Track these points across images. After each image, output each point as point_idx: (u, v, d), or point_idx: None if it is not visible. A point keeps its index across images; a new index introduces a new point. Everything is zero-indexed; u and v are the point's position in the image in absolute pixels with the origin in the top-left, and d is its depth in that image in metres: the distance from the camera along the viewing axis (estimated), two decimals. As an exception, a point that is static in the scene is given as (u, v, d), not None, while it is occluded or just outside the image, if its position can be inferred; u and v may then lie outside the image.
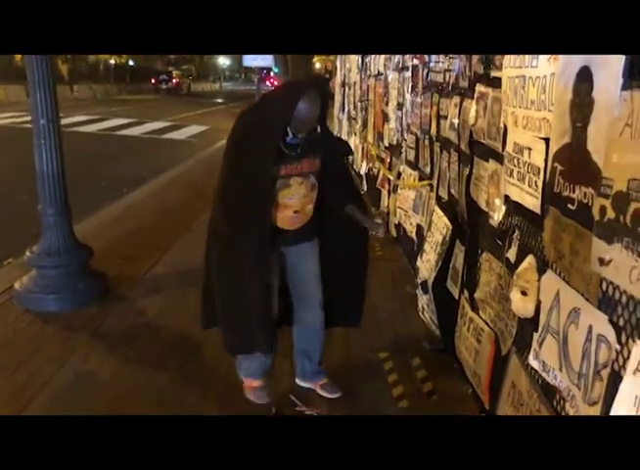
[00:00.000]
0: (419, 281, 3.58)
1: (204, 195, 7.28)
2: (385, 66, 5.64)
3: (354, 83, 8.37)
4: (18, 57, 32.25)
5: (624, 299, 1.40)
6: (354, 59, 8.37)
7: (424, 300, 3.51)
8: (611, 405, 1.40)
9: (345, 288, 2.75)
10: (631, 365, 1.33)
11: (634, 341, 1.35)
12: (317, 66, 41.86)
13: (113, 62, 39.12)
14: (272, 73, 18.59)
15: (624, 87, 1.36)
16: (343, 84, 10.23)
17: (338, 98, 11.87)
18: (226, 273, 2.47)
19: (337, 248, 2.67)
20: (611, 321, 1.46)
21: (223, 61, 67.77)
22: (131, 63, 43.06)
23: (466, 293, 2.81)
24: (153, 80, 40.01)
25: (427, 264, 3.40)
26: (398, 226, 5.01)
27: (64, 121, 16.85)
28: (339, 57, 13.23)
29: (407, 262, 4.69)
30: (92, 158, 10.73)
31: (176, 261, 4.75)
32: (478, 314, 2.61)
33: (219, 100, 34.69)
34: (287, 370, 2.94)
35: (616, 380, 1.42)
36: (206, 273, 2.60)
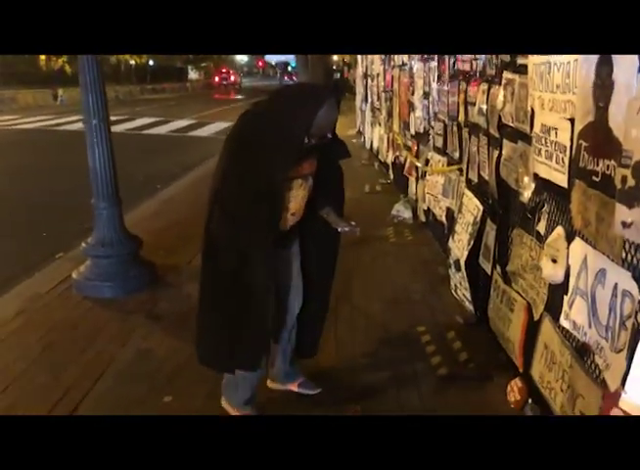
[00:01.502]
0: (451, 261, 3.77)
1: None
2: (409, 56, 5.82)
3: (377, 74, 8.55)
4: (42, 61, 33.05)
5: (645, 256, 1.60)
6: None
7: (456, 278, 3.71)
8: (635, 350, 1.60)
9: (310, 309, 2.66)
10: (652, 312, 1.53)
11: (654, 291, 1.55)
12: (335, 58, 42.02)
13: (133, 62, 39.69)
14: (289, 68, 18.81)
15: (641, 70, 1.55)
16: (366, 76, 10.40)
17: (360, 90, 12.05)
18: (242, 288, 2.30)
19: (310, 248, 2.61)
20: (633, 277, 1.65)
21: (241, 57, 68.18)
22: (151, 62, 43.63)
23: (498, 268, 3.00)
24: (217, 78, 46.97)
25: (459, 244, 3.59)
26: (427, 212, 5.20)
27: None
28: (359, 49, 13.35)
29: (437, 246, 4.89)
30: (124, 156, 10.95)
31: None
32: (510, 286, 2.81)
33: (239, 96, 35.03)
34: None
35: (639, 328, 1.61)
36: (209, 298, 2.43)
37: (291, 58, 16.55)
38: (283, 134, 2.15)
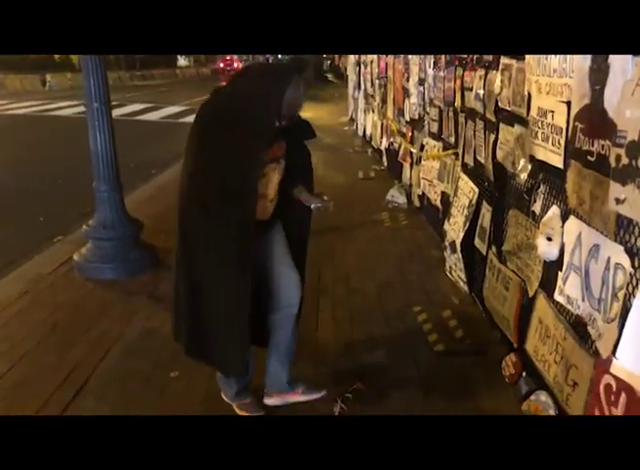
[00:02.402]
0: (447, 243, 3.87)
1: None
2: (404, 43, 5.87)
3: (371, 62, 8.59)
4: (30, 46, 32.60)
5: (637, 230, 1.69)
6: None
7: (452, 260, 3.81)
8: (626, 319, 1.70)
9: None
10: (643, 283, 1.63)
11: (645, 263, 1.65)
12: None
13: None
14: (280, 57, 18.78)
15: (636, 53, 1.64)
16: (358, 63, 10.44)
17: (352, 77, 12.08)
18: (221, 289, 2.21)
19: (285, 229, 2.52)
20: (626, 250, 1.75)
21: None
22: (140, 49, 43.13)
23: (494, 248, 3.10)
24: (221, 65, 49.41)
25: (454, 227, 3.69)
26: (422, 196, 5.29)
27: (82, 109, 17.14)
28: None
29: (432, 230, 4.99)
30: (117, 142, 11.06)
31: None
32: (505, 265, 2.91)
33: (230, 83, 34.81)
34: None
35: (630, 298, 1.72)
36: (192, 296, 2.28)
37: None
38: (256, 117, 2.12)
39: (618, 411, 1.77)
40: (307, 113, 15.17)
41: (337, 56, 44.08)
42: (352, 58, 11.95)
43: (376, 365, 2.91)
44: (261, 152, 2.17)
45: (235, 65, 50.68)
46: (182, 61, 53.57)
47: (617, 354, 1.73)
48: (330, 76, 35.68)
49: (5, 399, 2.64)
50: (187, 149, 2.24)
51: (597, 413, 1.90)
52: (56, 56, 36.15)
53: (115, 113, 15.58)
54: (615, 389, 1.80)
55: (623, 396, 1.76)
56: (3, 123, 13.61)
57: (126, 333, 3.28)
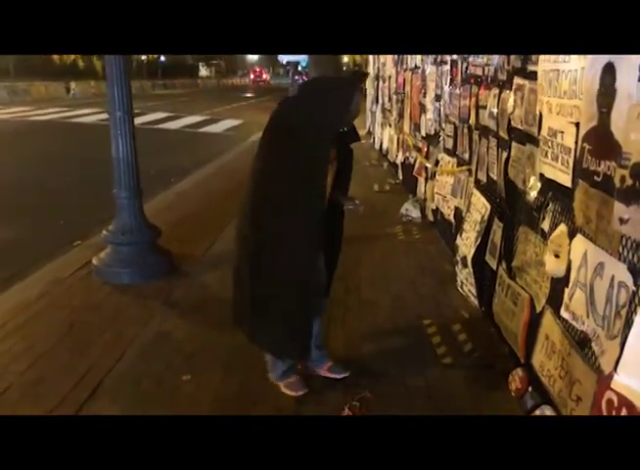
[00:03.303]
0: (458, 258, 3.92)
1: (248, 184, 7.74)
2: (422, 60, 5.96)
3: (389, 77, 8.69)
4: (55, 54, 33.30)
5: (640, 249, 1.74)
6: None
7: (463, 274, 3.85)
8: (627, 336, 1.74)
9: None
10: (644, 301, 1.67)
11: (647, 281, 1.69)
12: (345, 59, 42.21)
13: (144, 58, 39.98)
14: (299, 68, 18.97)
15: (641, 79, 1.69)
16: (377, 77, 10.54)
17: (370, 91, 12.20)
18: (300, 274, 2.47)
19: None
20: (629, 269, 1.80)
21: (251, 56, 68.40)
22: (162, 58, 43.92)
23: (504, 264, 3.14)
24: (252, 76, 58.65)
25: (466, 242, 3.74)
26: (436, 211, 5.34)
27: (105, 116, 17.49)
28: (371, 51, 13.50)
29: (444, 244, 5.03)
30: (138, 150, 11.27)
31: (231, 242, 5.12)
32: (515, 281, 2.95)
33: (249, 94, 35.27)
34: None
35: (632, 315, 1.76)
36: (260, 286, 2.53)
37: (301, 57, 16.62)
38: (328, 126, 2.39)
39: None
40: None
41: (357, 69, 44.36)
42: (371, 72, 12.06)
43: (384, 375, 2.95)
44: (329, 156, 2.45)
45: (264, 76, 58.71)
46: (203, 71, 54.34)
47: (617, 370, 1.77)
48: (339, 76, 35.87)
49: (23, 397, 2.73)
50: (260, 154, 2.49)
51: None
52: (80, 63, 36.84)
53: (137, 121, 15.86)
54: (616, 404, 1.84)
55: (624, 411, 1.79)
56: (27, 129, 13.92)
57: (141, 336, 3.36)
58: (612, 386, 1.80)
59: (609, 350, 1.91)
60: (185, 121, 16.55)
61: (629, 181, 1.72)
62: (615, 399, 1.85)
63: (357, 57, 44.65)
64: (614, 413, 1.85)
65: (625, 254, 1.82)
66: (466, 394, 2.81)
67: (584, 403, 2.10)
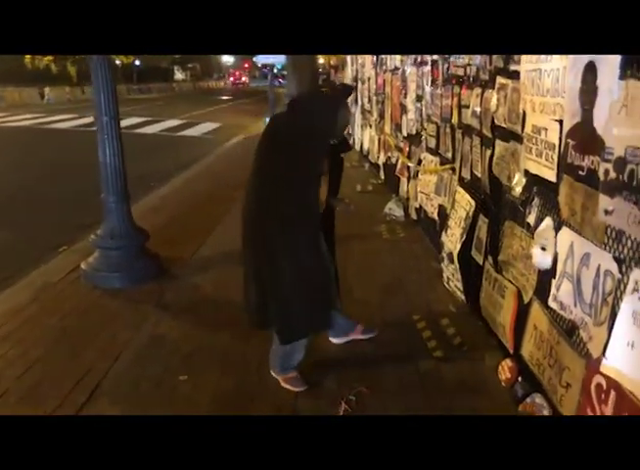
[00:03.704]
0: (444, 254, 4.01)
1: (232, 186, 7.76)
2: (402, 61, 6.06)
3: (369, 78, 8.79)
4: (28, 59, 32.86)
5: (624, 238, 1.83)
6: (368, 55, 8.78)
7: (449, 270, 3.95)
8: (614, 321, 1.83)
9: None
10: (629, 287, 1.76)
11: (632, 269, 1.78)
12: (321, 60, 42.33)
13: (119, 62, 39.60)
14: (275, 70, 18.96)
15: (621, 77, 1.79)
16: (356, 79, 10.64)
17: (349, 93, 12.28)
18: (314, 262, 2.69)
19: None
20: (614, 258, 1.89)
21: (227, 59, 68.24)
22: (137, 62, 43.57)
23: (490, 258, 3.24)
24: (232, 78, 60.32)
25: (452, 238, 3.83)
26: (419, 210, 5.44)
27: (81, 122, 17.32)
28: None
29: (428, 242, 5.13)
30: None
31: (219, 244, 5.20)
32: (501, 275, 3.04)
33: (225, 97, 35.20)
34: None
35: (618, 302, 1.85)
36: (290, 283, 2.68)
37: (277, 60, 16.56)
38: (319, 140, 2.59)
39: (609, 408, 1.89)
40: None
41: (332, 71, 44.53)
42: (349, 73, 12.17)
43: (378, 370, 3.02)
44: (321, 167, 2.65)
45: (243, 79, 60.77)
46: (179, 74, 54.03)
47: (606, 355, 1.87)
48: (325, 91, 36.02)
49: (21, 401, 2.74)
50: (255, 170, 2.66)
51: (589, 411, 2.03)
52: (53, 68, 36.34)
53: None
54: (605, 387, 1.93)
55: (613, 394, 1.88)
56: (2, 135, 13.73)
57: (135, 339, 3.38)
58: (601, 369, 1.89)
59: (596, 336, 2.00)
60: (163, 125, 16.48)
61: (613, 174, 1.82)
62: (603, 382, 1.95)
63: (333, 58, 44.79)
64: (602, 396, 1.95)
65: (610, 243, 1.92)
66: (458, 385, 2.89)
67: (574, 389, 2.19)
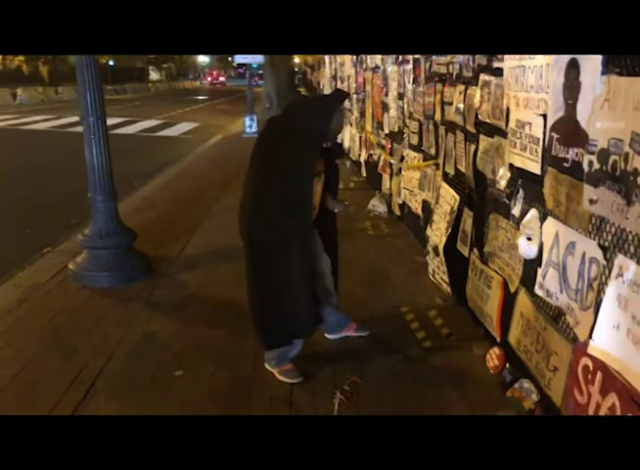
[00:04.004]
0: (430, 247, 4.10)
1: (214, 185, 7.80)
2: (382, 59, 6.15)
3: (348, 77, 8.87)
4: (-1, 60, 32.28)
5: (608, 226, 1.93)
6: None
7: (434, 263, 4.04)
8: (600, 305, 1.93)
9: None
10: (614, 272, 1.86)
11: (616, 255, 1.88)
12: (297, 60, 42.31)
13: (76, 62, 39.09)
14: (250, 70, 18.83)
15: (603, 73, 1.88)
16: (335, 78, 10.72)
17: (328, 92, 12.36)
18: (295, 269, 2.72)
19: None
20: (599, 245, 1.99)
21: (202, 58, 67.84)
22: (111, 63, 43.10)
23: (475, 250, 3.33)
24: (210, 78, 62.39)
25: (437, 232, 3.92)
26: (402, 205, 5.53)
27: (58, 122, 17.09)
28: (326, 52, 13.68)
29: (412, 237, 5.22)
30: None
31: (204, 242, 5.23)
32: (487, 266, 3.14)
33: (202, 97, 35.02)
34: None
35: (603, 286, 1.95)
36: (262, 287, 2.77)
37: (254, 60, 16.46)
38: (311, 141, 2.65)
39: (595, 388, 1.99)
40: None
41: (308, 70, 44.59)
42: (328, 72, 12.24)
43: (370, 360, 3.09)
44: (313, 169, 2.70)
45: (220, 78, 63.03)
46: (154, 75, 53.57)
47: (593, 337, 1.96)
48: (302, 90, 36.11)
49: (19, 400, 2.75)
50: (250, 171, 2.73)
51: (576, 392, 2.12)
52: (25, 68, 35.76)
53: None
54: (591, 369, 2.02)
55: (599, 374, 1.98)
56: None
57: (127, 337, 3.40)
58: (588, 351, 1.98)
59: (583, 320, 2.10)
60: (141, 126, 16.36)
61: (597, 165, 1.91)
62: (590, 364, 2.04)
63: (309, 58, 44.86)
64: (589, 377, 2.04)
65: (595, 231, 2.01)
66: (448, 374, 2.97)
67: (561, 372, 2.29)
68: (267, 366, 2.96)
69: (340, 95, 2.95)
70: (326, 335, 3.31)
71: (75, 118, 17.50)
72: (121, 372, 3.02)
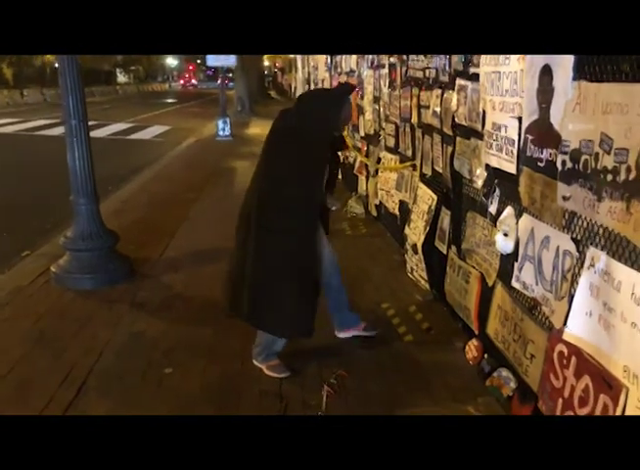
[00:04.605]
0: (408, 246, 4.24)
1: (190, 187, 7.84)
2: (357, 63, 6.29)
3: (322, 80, 8.99)
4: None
5: (580, 221, 2.08)
6: (321, 56, 8.99)
7: (413, 261, 4.18)
8: (574, 295, 2.07)
9: None
10: (586, 263, 2.01)
11: (588, 247, 2.03)
12: (266, 63, 42.35)
13: (57, 65, 38.51)
14: (209, 73, 18.64)
15: (574, 78, 2.03)
16: (309, 82, 10.84)
17: (301, 95, 12.47)
18: (307, 262, 2.83)
19: None
20: (572, 239, 2.14)
21: (171, 61, 67.27)
22: (78, 65, 42.39)
23: (453, 247, 3.48)
24: (182, 81, 65.44)
25: (415, 231, 4.06)
26: (379, 206, 5.67)
27: (26, 126, 16.80)
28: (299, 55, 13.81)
29: (390, 236, 5.36)
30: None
31: (185, 244, 5.29)
32: (465, 262, 3.28)
33: (171, 100, 34.78)
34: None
35: (576, 277, 2.09)
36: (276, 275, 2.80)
37: (228, 62, 16.48)
38: (324, 131, 2.79)
39: (570, 372, 2.13)
40: (254, 129, 15.47)
41: (279, 73, 44.67)
42: (301, 76, 12.36)
43: (355, 355, 3.21)
44: (327, 155, 2.85)
45: (192, 81, 65.54)
46: (121, 77, 52.95)
47: (567, 324, 2.11)
48: (272, 93, 36.20)
49: (10, 400, 2.78)
50: (263, 158, 2.84)
51: (552, 377, 2.26)
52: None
53: (60, 130, 15.47)
54: (566, 354, 2.17)
55: (573, 359, 2.12)
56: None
57: (115, 337, 3.45)
58: (563, 337, 2.13)
59: (558, 309, 2.25)
60: (111, 129, 16.22)
61: (569, 164, 2.06)
62: (565, 350, 2.18)
63: (279, 61, 44.91)
64: (564, 362, 2.19)
65: (568, 226, 2.16)
66: (429, 366, 3.10)
67: (538, 359, 2.43)
68: (255, 362, 3.04)
69: (347, 87, 3.14)
70: (336, 333, 3.36)
71: (44, 122, 17.33)
72: (111, 370, 3.07)
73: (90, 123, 15.62)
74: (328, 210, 3.14)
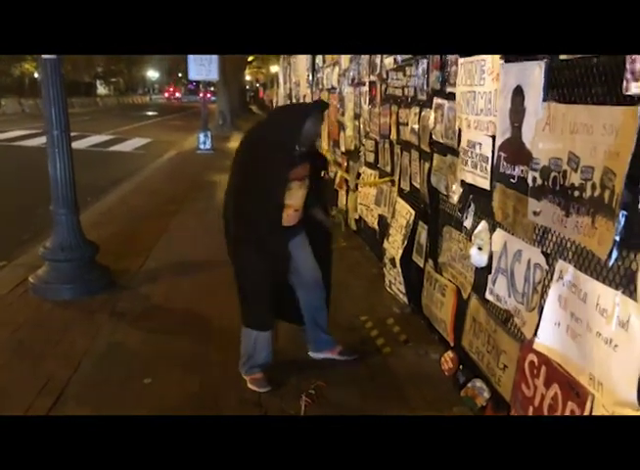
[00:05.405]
0: (387, 259, 4.31)
1: (171, 200, 7.85)
2: (339, 81, 6.40)
3: (304, 96, 9.11)
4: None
5: (550, 235, 2.17)
6: (302, 73, 9.12)
7: (391, 274, 4.25)
8: (544, 306, 2.16)
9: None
10: (555, 276, 2.09)
11: (557, 260, 2.12)
12: (248, 78, 42.58)
13: (37, 75, 38.25)
14: (200, 86, 18.74)
15: (544, 99, 2.14)
16: (290, 97, 10.96)
17: (282, 110, 12.59)
18: (260, 265, 2.89)
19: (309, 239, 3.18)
20: (542, 252, 2.23)
21: (152, 74, 67.24)
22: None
23: (430, 261, 3.56)
24: (167, 94, 67.70)
25: (393, 245, 4.14)
26: (359, 220, 5.75)
27: (3, 136, 16.57)
28: (281, 70, 13.96)
29: (369, 250, 5.44)
30: (46, 171, 10.90)
31: (164, 256, 5.30)
32: (441, 275, 3.37)
33: (152, 113, 34.74)
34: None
35: (546, 289, 2.18)
36: (245, 279, 2.97)
37: (210, 76, 16.54)
38: (280, 143, 2.80)
39: (540, 380, 2.21)
40: (235, 143, 15.50)
41: (261, 88, 44.92)
42: (283, 92, 12.49)
43: (333, 366, 3.25)
44: (284, 171, 2.82)
45: (177, 94, 68.36)
46: (102, 89, 52.72)
47: (538, 334, 2.19)
48: (254, 108, 36.36)
49: (-13, 408, 2.77)
50: (232, 172, 2.93)
51: (523, 386, 2.34)
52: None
53: (39, 141, 15.39)
54: (537, 363, 2.25)
55: (543, 368, 2.20)
56: None
57: (94, 347, 3.45)
58: (534, 347, 2.21)
59: (529, 320, 2.33)
60: (91, 141, 16.14)
61: (540, 181, 2.15)
62: (535, 359, 2.27)
63: (261, 77, 45.14)
64: (535, 371, 2.26)
65: (539, 240, 2.25)
66: (406, 377, 3.16)
67: (510, 369, 2.51)
68: (241, 372, 3.06)
69: (317, 103, 3.23)
70: (309, 353, 3.34)
71: (22, 132, 17.18)
72: (90, 379, 3.08)
73: (71, 135, 15.34)
74: (329, 233, 3.30)
